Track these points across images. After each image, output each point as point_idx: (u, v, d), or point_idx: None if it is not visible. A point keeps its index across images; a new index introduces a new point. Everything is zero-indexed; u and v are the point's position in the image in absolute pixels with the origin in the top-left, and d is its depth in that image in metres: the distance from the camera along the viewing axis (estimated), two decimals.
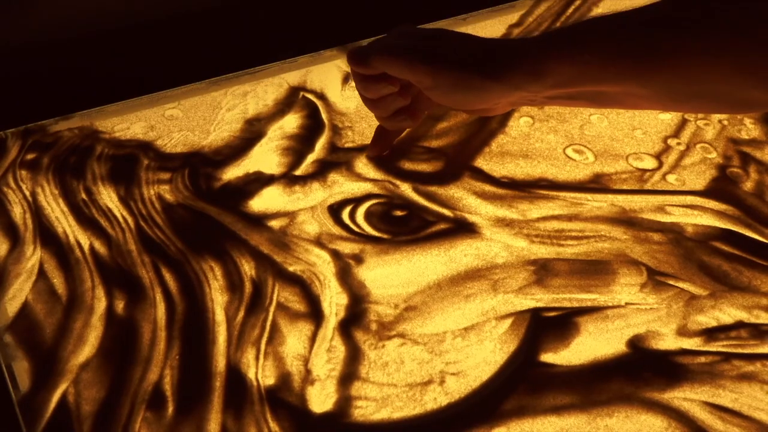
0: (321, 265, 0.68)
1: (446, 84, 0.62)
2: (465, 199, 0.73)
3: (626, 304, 0.65)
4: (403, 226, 0.71)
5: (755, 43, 0.54)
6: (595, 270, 0.67)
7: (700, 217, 0.71)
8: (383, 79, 0.66)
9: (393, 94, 0.68)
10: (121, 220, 0.71)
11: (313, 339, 0.63)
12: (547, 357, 0.62)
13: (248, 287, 0.66)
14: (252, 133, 0.80)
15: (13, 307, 0.65)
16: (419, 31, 0.67)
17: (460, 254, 0.69)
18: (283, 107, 0.82)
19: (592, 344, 0.62)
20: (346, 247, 0.69)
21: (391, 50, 0.65)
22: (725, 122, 0.80)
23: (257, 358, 0.61)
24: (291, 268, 0.67)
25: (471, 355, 0.62)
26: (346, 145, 0.78)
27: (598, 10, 0.92)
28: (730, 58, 0.55)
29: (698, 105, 0.62)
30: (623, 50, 0.57)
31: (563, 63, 0.58)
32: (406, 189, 0.73)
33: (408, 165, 0.76)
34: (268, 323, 0.64)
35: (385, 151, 0.76)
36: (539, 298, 0.65)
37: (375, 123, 0.80)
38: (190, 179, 0.75)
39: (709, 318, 0.64)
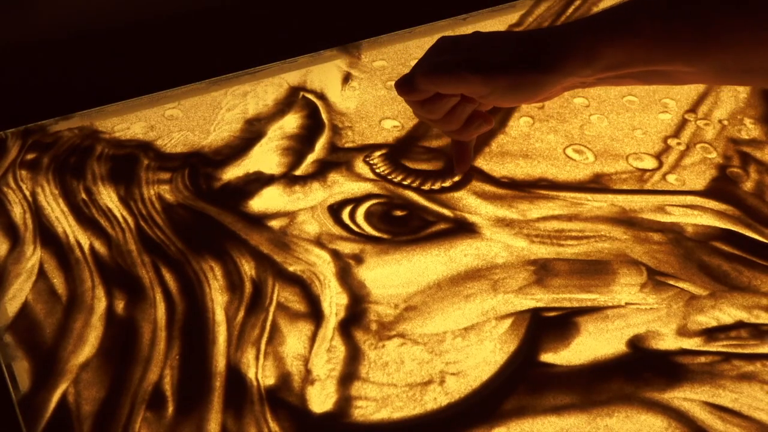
0: (321, 265, 0.68)
1: (502, 87, 0.61)
2: (465, 199, 0.73)
3: (626, 304, 0.65)
4: (403, 226, 0.71)
5: None
6: (595, 270, 0.67)
7: (700, 217, 0.71)
8: (440, 96, 0.64)
9: (460, 104, 0.65)
10: (121, 220, 0.71)
11: (313, 339, 0.63)
12: (547, 357, 0.62)
13: (248, 287, 0.66)
14: (252, 133, 0.80)
15: (13, 307, 0.65)
16: (457, 42, 0.65)
17: (460, 254, 0.69)
18: (283, 107, 0.82)
19: (592, 344, 0.62)
20: (346, 247, 0.69)
21: (437, 69, 0.63)
22: (725, 122, 0.80)
23: (257, 358, 0.61)
24: (291, 268, 0.67)
25: (471, 355, 0.62)
26: (346, 145, 0.78)
27: (599, 10, 0.92)
28: None
29: (748, 79, 0.62)
30: (673, 31, 0.56)
31: (614, 47, 0.57)
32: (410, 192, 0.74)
33: (408, 165, 0.76)
34: (268, 323, 0.64)
35: (471, 162, 0.74)
36: (539, 298, 0.65)
37: (375, 122, 0.80)
38: (190, 179, 0.75)
39: (709, 318, 0.64)
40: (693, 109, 0.81)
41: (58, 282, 0.67)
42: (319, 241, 0.69)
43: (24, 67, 0.86)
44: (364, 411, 0.59)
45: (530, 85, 0.61)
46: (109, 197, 0.73)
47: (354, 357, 0.61)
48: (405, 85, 0.64)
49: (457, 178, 0.74)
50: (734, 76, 0.59)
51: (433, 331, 0.63)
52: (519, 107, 0.80)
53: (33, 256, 0.68)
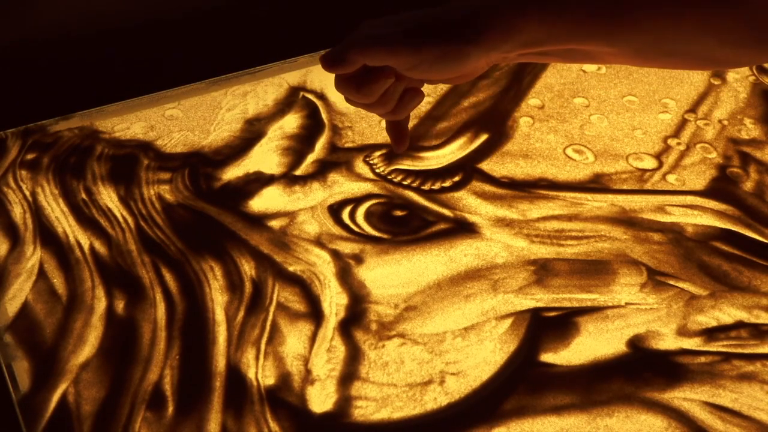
0: (321, 265, 0.68)
1: (430, 59, 0.62)
2: (465, 199, 0.73)
3: (626, 304, 0.65)
4: (403, 226, 0.71)
5: (717, 5, 0.55)
6: (595, 270, 0.67)
7: (700, 217, 0.71)
8: (372, 76, 0.65)
9: (393, 83, 0.65)
10: (121, 220, 0.71)
11: (313, 339, 0.63)
12: (547, 357, 0.62)
13: (248, 287, 0.66)
14: (252, 133, 0.80)
15: (13, 307, 0.65)
16: (383, 19, 0.67)
17: (460, 254, 0.69)
18: (283, 107, 0.82)
19: (592, 344, 0.62)
20: (346, 247, 0.69)
21: (366, 41, 0.63)
22: (725, 122, 0.80)
23: (257, 358, 0.61)
24: (291, 268, 0.67)
25: (471, 355, 0.62)
26: (346, 145, 0.78)
27: None
28: (693, 20, 0.57)
29: (667, 62, 0.64)
30: (592, 12, 0.59)
31: (533, 23, 0.59)
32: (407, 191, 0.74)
33: (409, 164, 0.76)
34: (268, 323, 0.64)
35: (407, 140, 0.75)
36: (539, 298, 0.65)
37: (375, 122, 0.80)
38: (190, 179, 0.75)
39: (709, 318, 0.64)
40: (693, 109, 0.81)
41: (58, 282, 0.67)
42: (319, 241, 0.69)
43: (24, 67, 0.86)
44: (364, 411, 0.59)
45: (456, 56, 0.61)
46: (109, 197, 0.73)
47: (354, 357, 0.61)
48: (332, 58, 0.64)
49: (401, 159, 0.74)
50: (654, 58, 0.62)
51: (433, 331, 0.63)
52: (519, 108, 0.80)
53: (33, 256, 0.68)
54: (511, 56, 0.63)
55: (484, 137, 0.79)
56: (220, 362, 0.61)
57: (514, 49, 0.61)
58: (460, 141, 0.78)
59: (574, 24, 0.59)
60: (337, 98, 0.83)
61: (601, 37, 0.59)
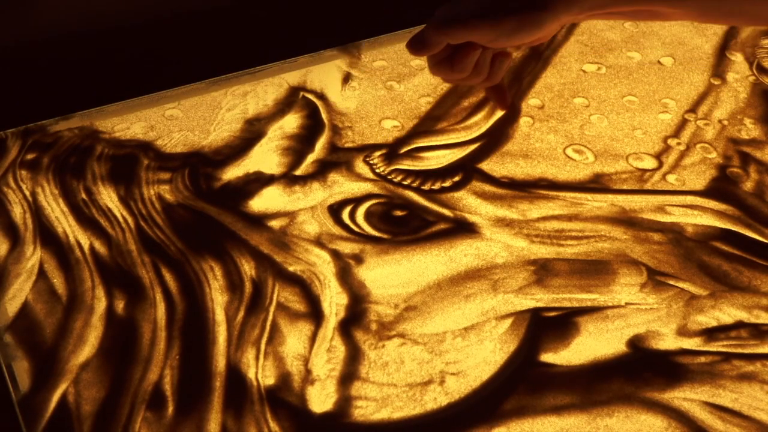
0: (321, 265, 0.68)
1: (507, 30, 0.67)
2: (465, 199, 0.73)
3: (626, 304, 0.65)
4: (403, 226, 0.71)
5: None
6: (595, 270, 0.67)
7: (700, 217, 0.71)
8: (460, 50, 0.70)
9: (481, 54, 0.71)
10: (121, 220, 0.71)
11: (313, 339, 0.63)
12: (547, 357, 0.62)
13: (248, 287, 0.66)
14: (252, 133, 0.80)
15: (13, 307, 0.65)
16: (454, 1, 0.71)
17: (460, 254, 0.69)
18: (283, 107, 0.82)
19: (592, 344, 0.62)
20: (346, 247, 0.69)
21: (445, 22, 0.68)
22: (725, 122, 0.80)
23: (257, 358, 0.61)
24: (291, 268, 0.68)
25: (471, 355, 0.62)
26: (346, 145, 0.78)
27: None
28: None
29: (730, 21, 0.72)
30: None
31: None
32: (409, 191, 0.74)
33: (409, 164, 0.76)
34: (268, 323, 0.64)
35: (509, 98, 0.80)
36: (539, 298, 0.65)
37: (375, 122, 0.80)
38: (190, 179, 0.75)
39: (709, 318, 0.64)
40: (693, 109, 0.81)
41: (58, 282, 0.67)
42: (319, 241, 0.69)
43: (24, 67, 0.86)
44: (364, 411, 0.59)
45: (531, 24, 0.66)
46: (109, 197, 0.73)
47: (354, 357, 0.61)
48: (418, 43, 0.70)
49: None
50: (718, 17, 0.66)
51: (433, 331, 0.63)
52: (519, 107, 0.80)
53: (33, 256, 0.68)
54: (582, 17, 0.67)
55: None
56: (220, 362, 0.61)
57: (583, 11, 0.65)
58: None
59: None
60: (337, 98, 0.83)
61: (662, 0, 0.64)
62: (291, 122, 0.81)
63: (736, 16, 0.66)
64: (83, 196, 0.74)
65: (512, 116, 0.80)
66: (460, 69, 0.71)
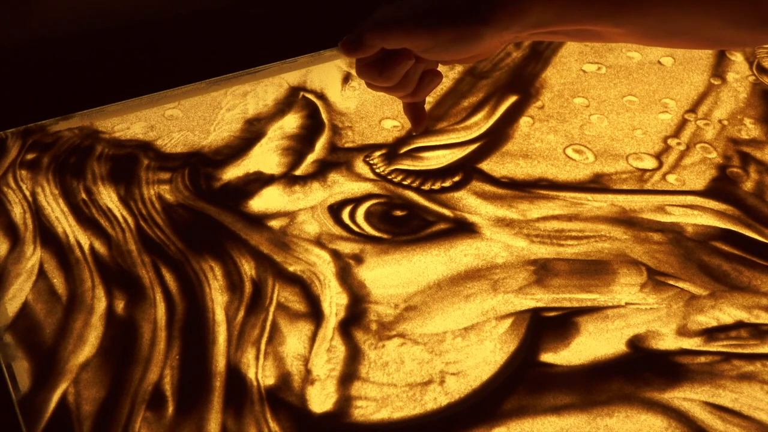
0: (321, 265, 0.68)
1: (445, 40, 0.64)
2: (465, 199, 0.73)
3: (626, 304, 0.65)
4: (403, 226, 0.71)
5: None
6: (595, 270, 0.67)
7: (700, 217, 0.71)
8: (392, 59, 0.67)
9: (412, 66, 0.68)
10: (121, 220, 0.71)
11: (313, 339, 0.63)
12: (547, 357, 0.62)
13: (248, 287, 0.66)
14: (252, 133, 0.80)
15: (13, 307, 0.65)
16: (397, 4, 0.69)
17: (460, 254, 0.69)
18: (283, 107, 0.82)
19: (592, 344, 0.62)
20: (346, 247, 0.69)
21: (383, 24, 0.66)
22: (725, 122, 0.80)
23: (257, 358, 0.61)
24: (291, 268, 0.68)
25: (471, 355, 0.62)
26: (346, 145, 0.78)
27: None
28: (699, 2, 0.60)
29: (673, 42, 0.68)
30: None
31: (542, 4, 0.63)
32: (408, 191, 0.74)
33: (409, 164, 0.76)
34: (268, 323, 0.64)
35: (426, 121, 0.77)
36: (539, 298, 0.65)
37: (375, 122, 0.80)
38: (190, 179, 0.75)
39: (709, 318, 0.64)
40: (693, 109, 0.81)
41: (58, 282, 0.67)
42: (319, 241, 0.69)
43: (24, 67, 0.86)
44: (364, 411, 0.59)
45: (471, 37, 0.64)
46: (109, 197, 0.73)
47: (354, 357, 0.61)
48: (352, 44, 0.67)
49: (416, 140, 0.75)
50: (661, 37, 0.64)
51: (433, 331, 0.63)
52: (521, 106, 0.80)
53: (33, 256, 0.68)
54: (524, 35, 0.65)
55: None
56: (220, 362, 0.61)
57: (525, 29, 0.63)
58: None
59: (582, 5, 0.61)
60: (337, 98, 0.83)
61: (609, 18, 0.62)
62: (291, 122, 0.81)
63: (680, 36, 0.65)
64: (83, 196, 0.74)
65: (419, 136, 0.79)
66: (388, 76, 0.68)
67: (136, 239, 0.70)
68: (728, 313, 0.64)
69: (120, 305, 0.65)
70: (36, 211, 0.72)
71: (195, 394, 0.59)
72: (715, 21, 0.60)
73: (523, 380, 0.60)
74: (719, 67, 0.86)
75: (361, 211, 0.72)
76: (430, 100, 0.82)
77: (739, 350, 0.62)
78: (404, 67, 0.68)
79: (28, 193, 0.74)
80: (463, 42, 0.64)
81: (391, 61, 0.67)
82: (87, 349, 0.62)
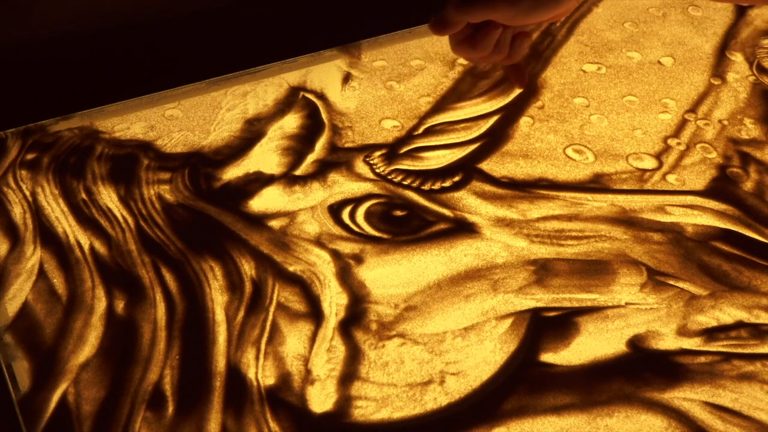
0: (321, 265, 0.68)
1: (525, 8, 0.69)
2: (465, 199, 0.73)
3: (626, 304, 0.65)
4: (403, 226, 0.71)
5: None
6: (595, 270, 0.67)
7: (700, 217, 0.71)
8: (482, 30, 0.72)
9: (501, 33, 0.73)
10: (121, 220, 0.71)
11: (313, 339, 0.63)
12: (547, 357, 0.62)
13: (248, 287, 0.66)
14: (252, 133, 0.80)
15: (13, 307, 0.65)
16: None
17: (460, 254, 0.69)
18: (283, 107, 0.82)
19: (592, 344, 0.62)
20: (346, 247, 0.69)
21: (465, 2, 0.70)
22: (725, 122, 0.80)
23: (257, 358, 0.61)
24: (291, 268, 0.68)
25: (471, 355, 0.62)
26: (346, 145, 0.78)
27: (598, 11, 0.92)
28: None
29: None
30: None
31: None
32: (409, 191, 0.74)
33: (409, 164, 0.76)
34: (268, 323, 0.64)
35: (527, 77, 0.82)
36: (539, 298, 0.65)
37: (375, 122, 0.80)
38: (190, 179, 0.75)
39: (709, 318, 0.64)
40: (693, 109, 0.81)
41: (58, 282, 0.67)
42: (319, 241, 0.69)
43: (24, 67, 0.86)
44: (364, 411, 0.59)
45: (548, 2, 0.69)
46: (109, 197, 0.73)
47: (354, 357, 0.61)
48: (440, 23, 0.72)
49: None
50: None
51: (433, 331, 0.63)
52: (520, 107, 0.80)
53: (33, 256, 0.68)
54: None
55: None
56: (220, 362, 0.61)
57: None
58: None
59: None
60: (337, 98, 0.83)
61: None
62: (291, 122, 0.81)
63: None
64: (83, 196, 0.74)
65: (529, 94, 0.82)
66: (482, 48, 0.73)
67: (136, 239, 0.70)
68: (728, 313, 0.64)
69: (120, 305, 0.65)
70: (36, 211, 0.72)
71: (195, 394, 0.59)
72: None
73: (523, 380, 0.60)
74: (719, 67, 0.86)
75: (361, 211, 0.72)
76: (429, 101, 0.82)
77: (739, 350, 0.62)
78: (494, 36, 0.72)
79: (28, 193, 0.74)
80: (542, 7, 0.68)
81: (481, 33, 0.72)
82: (87, 349, 0.62)
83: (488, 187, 0.74)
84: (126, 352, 0.62)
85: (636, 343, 0.62)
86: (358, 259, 0.68)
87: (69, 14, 0.87)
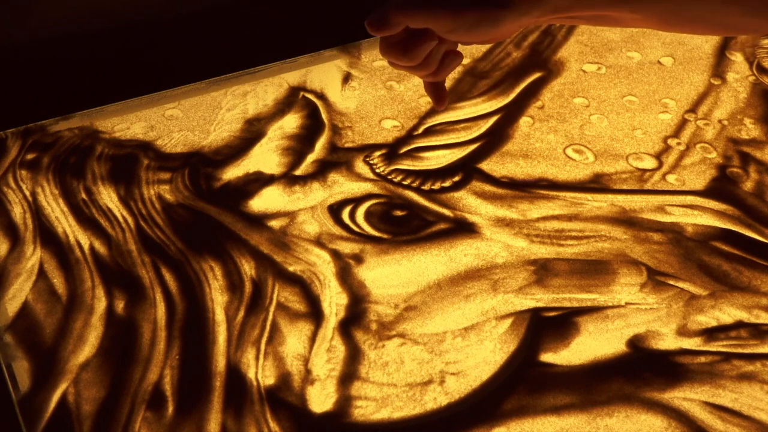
0: (321, 265, 0.68)
1: (467, 23, 0.67)
2: (465, 199, 0.73)
3: (626, 304, 0.65)
4: (403, 226, 0.71)
5: None
6: (595, 270, 0.67)
7: (700, 217, 0.71)
8: (416, 40, 0.70)
9: (435, 46, 0.71)
10: (121, 220, 0.71)
11: (313, 339, 0.63)
12: (547, 357, 0.62)
13: (248, 287, 0.66)
14: (252, 133, 0.80)
15: (13, 307, 0.65)
16: None
17: (460, 254, 0.69)
18: (283, 107, 0.82)
19: (592, 344, 0.62)
20: (346, 247, 0.69)
21: (408, 4, 0.68)
22: (725, 122, 0.80)
23: (257, 358, 0.61)
24: (291, 268, 0.68)
25: (471, 355, 0.62)
26: (346, 145, 0.78)
27: None
28: None
29: (690, 28, 0.70)
30: None
31: None
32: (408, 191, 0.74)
33: (409, 164, 0.76)
34: (268, 323, 0.64)
35: (447, 98, 0.80)
36: (539, 298, 0.65)
37: (375, 122, 0.80)
38: (190, 179, 0.75)
39: (709, 318, 0.64)
40: (693, 109, 0.81)
41: (58, 282, 0.67)
42: (319, 241, 0.69)
43: (24, 67, 0.86)
44: (364, 411, 0.59)
45: (491, 20, 0.66)
46: (109, 197, 0.73)
47: (354, 357, 0.61)
48: (378, 21, 0.69)
49: (439, 116, 0.77)
50: (678, 24, 0.66)
51: (433, 331, 0.63)
52: (521, 106, 0.80)
53: (33, 256, 0.68)
54: (543, 20, 0.67)
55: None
56: (220, 362, 0.61)
57: (544, 14, 0.65)
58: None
59: None
60: (337, 98, 0.83)
61: (625, 4, 0.63)
62: (291, 122, 0.81)
63: (698, 24, 0.67)
64: (83, 196, 0.74)
65: (437, 113, 0.81)
66: (412, 56, 0.70)
67: (136, 239, 0.70)
68: (728, 313, 0.64)
69: (120, 305, 0.65)
70: (36, 211, 0.72)
71: (195, 394, 0.59)
72: (733, 8, 0.61)
73: (523, 380, 0.60)
74: (719, 67, 0.86)
75: (361, 211, 0.72)
76: (429, 101, 0.82)
77: (739, 350, 0.62)
78: (427, 47, 0.70)
79: (28, 193, 0.74)
80: (483, 25, 0.66)
81: (414, 41, 0.70)
82: (87, 349, 0.62)
83: (488, 187, 0.74)
84: (126, 352, 0.62)
85: (636, 343, 0.62)
86: (358, 259, 0.68)
87: (69, 14, 0.87)
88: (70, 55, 0.87)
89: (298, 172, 0.75)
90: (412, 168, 0.76)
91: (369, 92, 0.83)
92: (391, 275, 0.67)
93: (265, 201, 0.73)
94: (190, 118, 0.81)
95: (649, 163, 0.76)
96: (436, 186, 0.74)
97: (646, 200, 0.73)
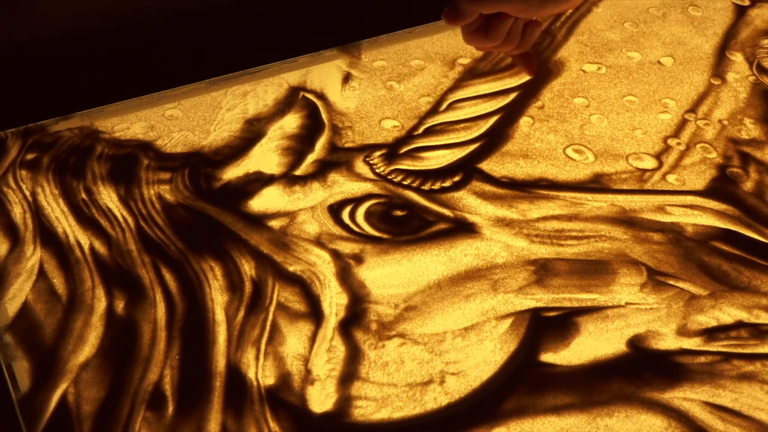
0: (321, 265, 0.68)
1: (535, 1, 0.71)
2: (465, 199, 0.73)
3: (626, 304, 0.65)
4: (403, 226, 0.71)
5: None
6: (595, 270, 0.67)
7: (700, 217, 0.71)
8: (493, 20, 0.74)
9: (513, 23, 0.76)
10: (121, 220, 0.71)
11: (313, 339, 0.63)
12: (547, 357, 0.62)
13: (248, 287, 0.66)
14: (252, 133, 0.80)
15: (13, 307, 0.65)
16: None
17: (460, 254, 0.69)
18: (283, 107, 0.82)
19: (592, 344, 0.62)
20: (346, 247, 0.69)
21: None
22: (725, 122, 0.80)
23: (257, 358, 0.61)
24: (291, 268, 0.68)
25: (471, 355, 0.62)
26: (346, 145, 0.78)
27: (599, 11, 0.92)
28: None
29: None
30: None
31: None
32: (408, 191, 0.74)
33: (409, 164, 0.76)
34: (268, 323, 0.64)
35: (537, 65, 0.84)
36: (539, 298, 0.65)
37: (375, 122, 0.80)
38: (190, 179, 0.75)
39: (709, 318, 0.64)
40: (693, 109, 0.81)
41: (58, 282, 0.67)
42: (319, 241, 0.69)
43: (24, 67, 0.86)
44: (364, 411, 0.59)
45: None
46: (109, 197, 0.73)
47: (354, 357, 0.61)
48: (453, 13, 0.74)
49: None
50: None
51: (433, 331, 0.63)
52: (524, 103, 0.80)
53: (33, 256, 0.68)
54: None
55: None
56: (220, 362, 0.61)
57: None
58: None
59: None
60: (337, 98, 0.83)
61: None
62: (291, 122, 0.81)
63: None
64: (83, 196, 0.74)
65: (543, 78, 0.84)
66: (494, 37, 0.75)
67: (136, 239, 0.70)
68: (728, 313, 0.64)
69: (120, 305, 0.65)
70: (36, 211, 0.72)
71: (195, 394, 0.59)
72: None
73: (523, 380, 0.60)
74: (719, 67, 0.86)
75: (361, 211, 0.72)
76: (429, 101, 0.82)
77: (739, 350, 0.62)
78: (506, 26, 0.75)
79: (28, 193, 0.74)
80: (550, 1, 0.71)
81: (492, 24, 0.74)
82: (87, 349, 0.62)
83: (488, 187, 0.74)
84: (126, 352, 0.62)
85: (636, 343, 0.62)
86: (358, 259, 0.68)
87: (69, 14, 0.87)
88: (70, 55, 0.87)
89: (298, 172, 0.75)
90: (412, 168, 0.76)
91: (369, 92, 0.83)
92: (391, 275, 0.67)
93: (265, 201, 0.73)
94: (190, 118, 0.81)
95: (649, 163, 0.76)
96: (436, 186, 0.74)
97: (646, 200, 0.73)
